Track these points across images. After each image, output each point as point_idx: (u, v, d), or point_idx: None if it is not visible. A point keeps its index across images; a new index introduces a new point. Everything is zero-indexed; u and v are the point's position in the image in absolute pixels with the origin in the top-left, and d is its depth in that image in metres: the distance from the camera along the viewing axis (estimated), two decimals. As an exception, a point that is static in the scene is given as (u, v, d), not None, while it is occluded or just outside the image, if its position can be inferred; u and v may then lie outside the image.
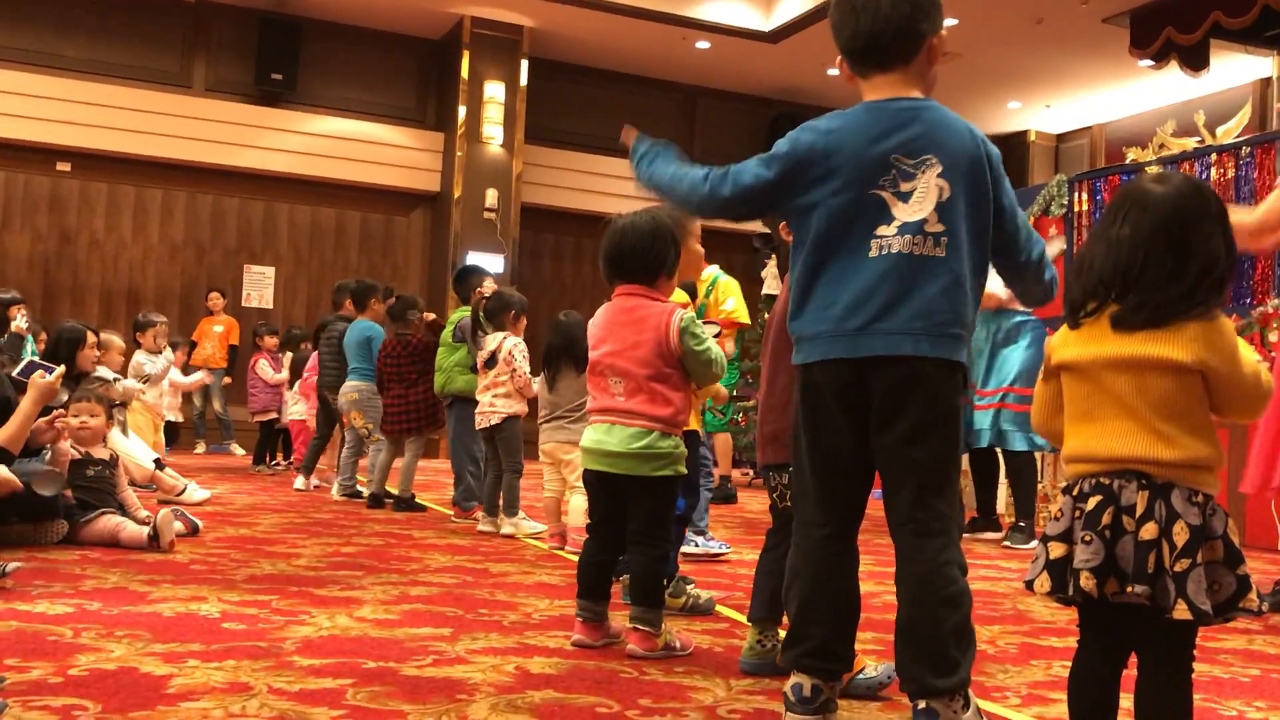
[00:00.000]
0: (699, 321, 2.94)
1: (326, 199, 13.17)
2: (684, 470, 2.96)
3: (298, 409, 9.03)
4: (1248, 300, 6.51)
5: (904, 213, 2.12)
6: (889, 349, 2.10)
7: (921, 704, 2.02)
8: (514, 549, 4.91)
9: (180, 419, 9.46)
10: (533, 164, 13.38)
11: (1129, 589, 1.68)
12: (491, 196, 12.82)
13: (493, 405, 5.50)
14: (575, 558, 4.49)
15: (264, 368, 9.79)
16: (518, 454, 5.54)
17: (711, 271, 6.28)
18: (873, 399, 2.13)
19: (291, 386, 9.17)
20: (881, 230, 2.13)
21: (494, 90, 12.85)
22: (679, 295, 3.56)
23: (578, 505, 4.81)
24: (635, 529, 2.91)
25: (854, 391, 2.14)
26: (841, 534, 2.21)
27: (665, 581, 3.26)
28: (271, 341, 10.03)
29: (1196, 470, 1.72)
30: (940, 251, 2.11)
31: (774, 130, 14.12)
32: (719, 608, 3.53)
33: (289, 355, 9.70)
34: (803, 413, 2.22)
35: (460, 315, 6.25)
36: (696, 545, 4.73)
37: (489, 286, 6.27)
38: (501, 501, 5.52)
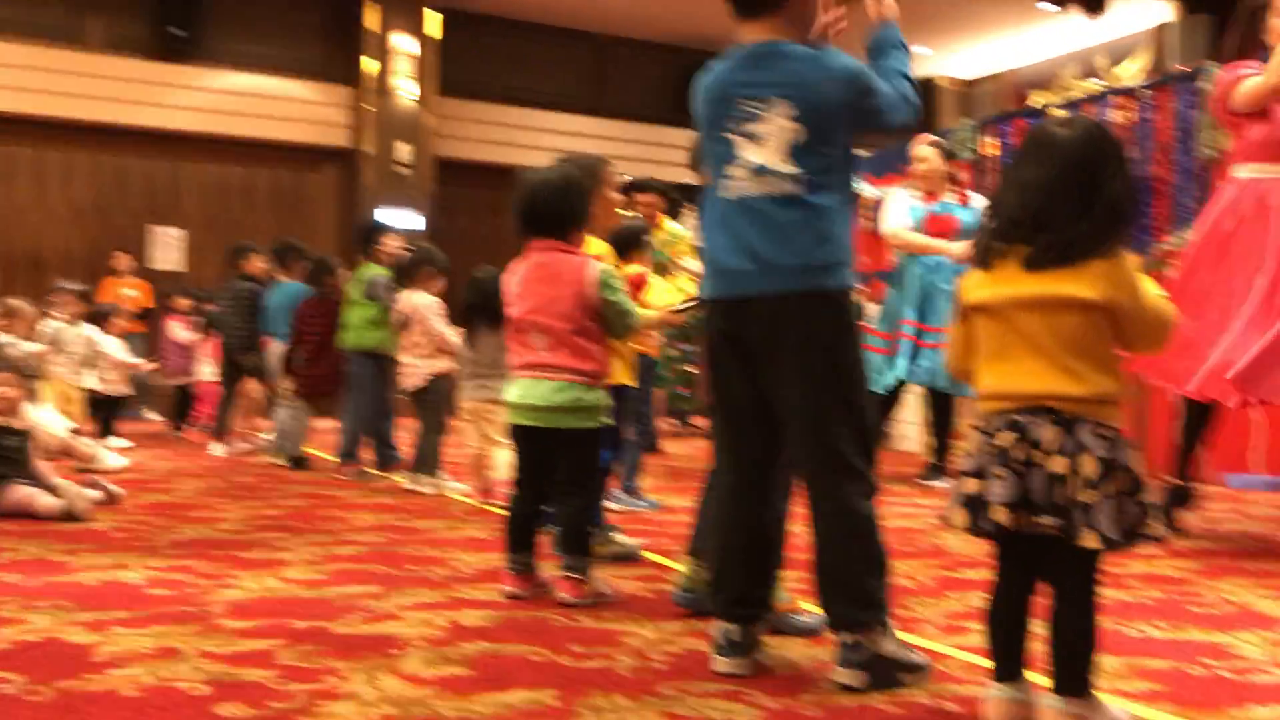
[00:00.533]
0: (616, 274, 2.96)
1: (234, 157, 12.86)
2: (609, 422, 2.99)
3: (209, 369, 8.90)
4: (1148, 238, 6.70)
5: (755, 154, 2.18)
6: (753, 287, 2.17)
7: (847, 638, 2.10)
8: (439, 505, 4.92)
9: (130, 391, 9.17)
10: (447, 117, 13.20)
11: (1040, 520, 1.75)
12: (404, 151, 12.64)
13: (415, 366, 5.47)
14: (502, 511, 4.52)
15: (176, 330, 9.59)
16: (442, 413, 5.51)
17: (672, 226, 6.32)
18: (756, 342, 2.19)
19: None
20: (732, 171, 2.21)
21: (402, 42, 12.62)
22: (598, 247, 3.56)
23: (503, 460, 4.83)
24: (561, 480, 2.94)
25: (740, 334, 2.21)
26: (750, 479, 2.26)
27: (592, 530, 3.30)
28: (184, 303, 9.82)
29: (1103, 405, 1.79)
30: (795, 189, 2.16)
31: (687, 80, 14.08)
32: (645, 554, 3.58)
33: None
34: (711, 364, 2.31)
35: (367, 272, 6.18)
36: (623, 503, 4.74)
37: (391, 244, 6.22)
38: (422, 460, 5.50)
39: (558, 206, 2.93)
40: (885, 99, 2.21)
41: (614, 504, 4.67)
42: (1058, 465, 1.75)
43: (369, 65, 12.57)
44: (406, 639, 2.43)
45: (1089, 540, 1.72)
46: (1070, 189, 1.81)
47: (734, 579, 2.25)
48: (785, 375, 2.16)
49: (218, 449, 7.56)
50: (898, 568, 3.36)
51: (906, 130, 2.27)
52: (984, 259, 1.89)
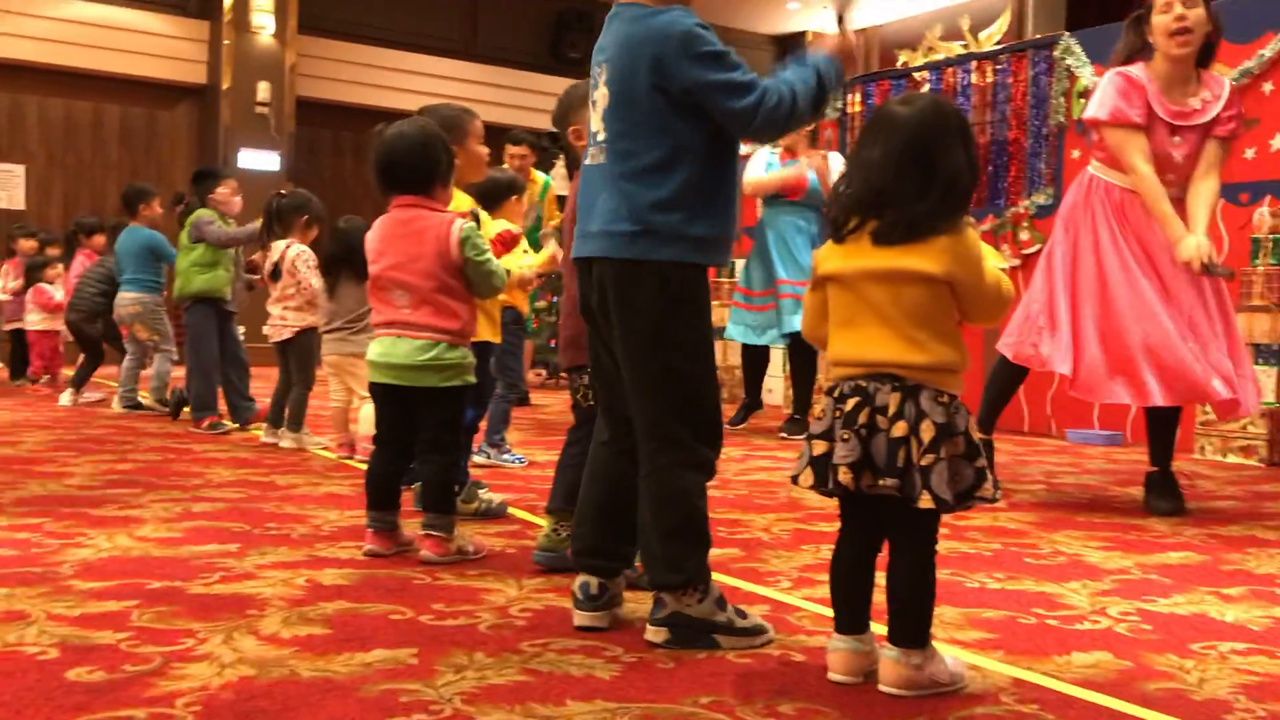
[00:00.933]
0: (479, 231, 2.95)
1: (81, 91, 12.26)
2: (473, 380, 2.99)
3: (34, 318, 8.57)
4: (1001, 201, 6.95)
5: (593, 122, 2.24)
6: (581, 251, 2.24)
7: (658, 598, 2.17)
8: (300, 460, 4.85)
9: None
10: (308, 55, 12.81)
11: (881, 481, 1.84)
12: (264, 89, 12.23)
13: (284, 319, 5.33)
14: (365, 467, 4.48)
15: (9, 274, 9.17)
16: (310, 368, 5.39)
17: (544, 177, 6.28)
18: (598, 308, 2.24)
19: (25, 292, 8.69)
20: (591, 141, 2.27)
21: (261, -25, 12.17)
22: (462, 201, 3.53)
23: (366, 414, 4.77)
24: (425, 438, 2.94)
25: (588, 294, 2.26)
26: (616, 437, 2.30)
27: (456, 488, 3.31)
28: (28, 245, 9.37)
29: (943, 373, 1.88)
30: (602, 158, 2.20)
31: (559, 26, 13.96)
32: (511, 510, 3.61)
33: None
34: (583, 318, 2.35)
35: (197, 215, 6.03)
36: (489, 457, 4.76)
37: (224, 191, 6.07)
38: (287, 414, 5.40)
39: (417, 162, 2.88)
40: (737, 84, 2.09)
41: (481, 459, 4.69)
42: (898, 429, 1.84)
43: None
44: (265, 599, 2.41)
45: (925, 501, 1.81)
46: (909, 167, 1.88)
47: (591, 532, 2.30)
48: (613, 342, 2.22)
49: (66, 399, 7.30)
50: (755, 521, 3.49)
51: (761, 130, 2.13)
52: (837, 233, 1.96)
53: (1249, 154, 5.76)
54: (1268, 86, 5.71)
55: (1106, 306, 3.79)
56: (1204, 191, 3.75)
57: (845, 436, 1.87)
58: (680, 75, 2.10)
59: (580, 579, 2.27)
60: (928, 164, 1.88)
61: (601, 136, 2.20)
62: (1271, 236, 5.44)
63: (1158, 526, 3.57)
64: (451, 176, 3.00)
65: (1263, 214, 5.50)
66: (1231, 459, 5.42)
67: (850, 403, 1.88)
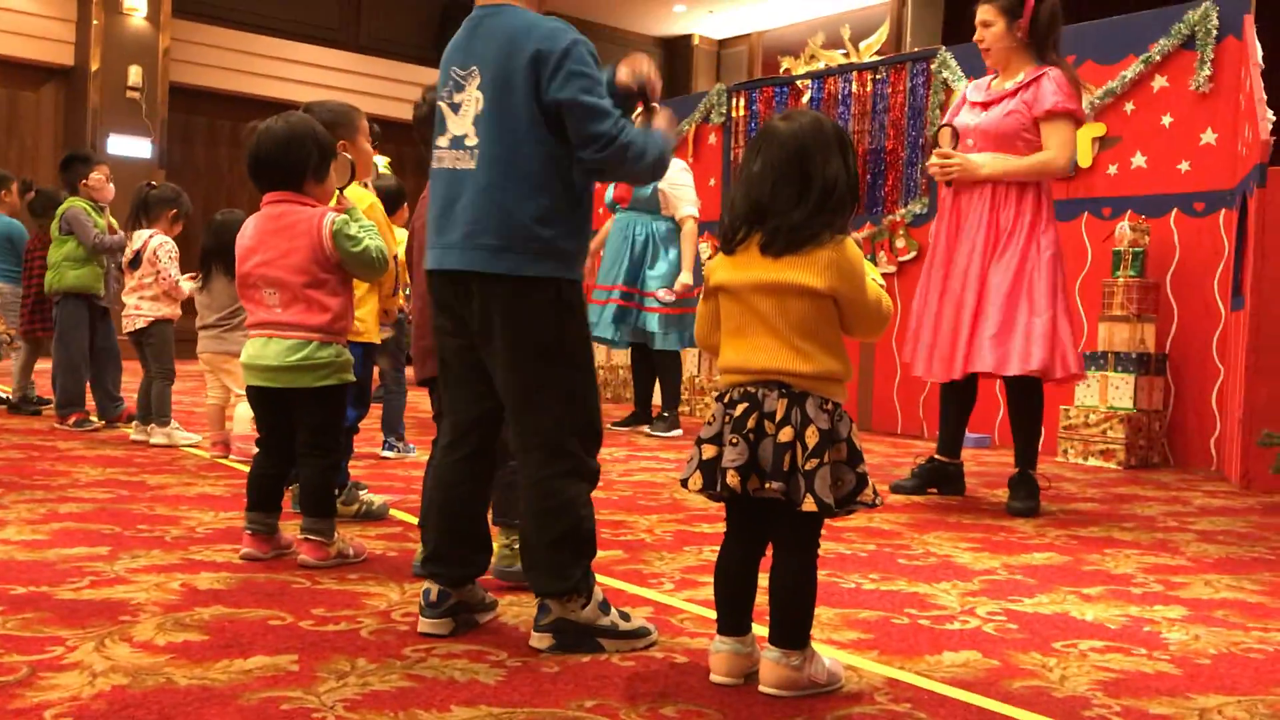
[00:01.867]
0: (352, 221, 2.87)
1: (-63, 69, 11.68)
2: (350, 378, 2.93)
3: None
4: (879, 209, 7.14)
5: (454, 125, 2.20)
6: (437, 264, 2.20)
7: (542, 605, 2.17)
8: (172, 459, 4.71)
9: None
10: (183, 40, 12.41)
11: (768, 485, 1.89)
12: (135, 73, 11.81)
13: (138, 308, 5.19)
14: (242, 467, 4.39)
15: None
16: (168, 359, 5.25)
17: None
18: (469, 318, 2.21)
19: None
20: (439, 141, 2.23)
21: (133, -45, 11.74)
22: (363, 197, 3.47)
23: (242, 414, 4.68)
24: (304, 440, 2.89)
25: (454, 306, 2.22)
26: (460, 442, 2.29)
27: (337, 490, 3.27)
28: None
29: (828, 382, 1.94)
30: (472, 164, 2.16)
31: (445, 18, 13.80)
32: (393, 512, 3.58)
33: None
34: (431, 323, 2.34)
35: (68, 205, 5.82)
36: (396, 450, 4.85)
37: (98, 178, 5.87)
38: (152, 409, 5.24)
39: (281, 158, 2.83)
40: (603, 110, 2.10)
41: (391, 454, 4.77)
42: (785, 434, 1.89)
43: (97, -22, 11.64)
44: (139, 604, 2.35)
45: (808, 504, 1.86)
46: (788, 178, 1.94)
47: (434, 539, 2.28)
48: (492, 354, 2.19)
49: None
50: (639, 523, 3.52)
51: (606, 159, 2.12)
52: (726, 245, 2.00)
53: (1111, 170, 6.04)
54: (1129, 106, 5.98)
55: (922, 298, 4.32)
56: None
57: (734, 441, 1.91)
58: (555, 89, 2.10)
59: (425, 585, 2.26)
60: (805, 174, 1.93)
61: (471, 142, 2.16)
62: (1131, 250, 5.70)
63: (1023, 528, 3.72)
64: (326, 171, 2.92)
65: (1123, 228, 5.76)
66: (1092, 462, 5.66)
67: (739, 408, 1.93)
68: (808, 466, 1.88)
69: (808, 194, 1.92)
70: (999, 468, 5.27)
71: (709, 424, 1.99)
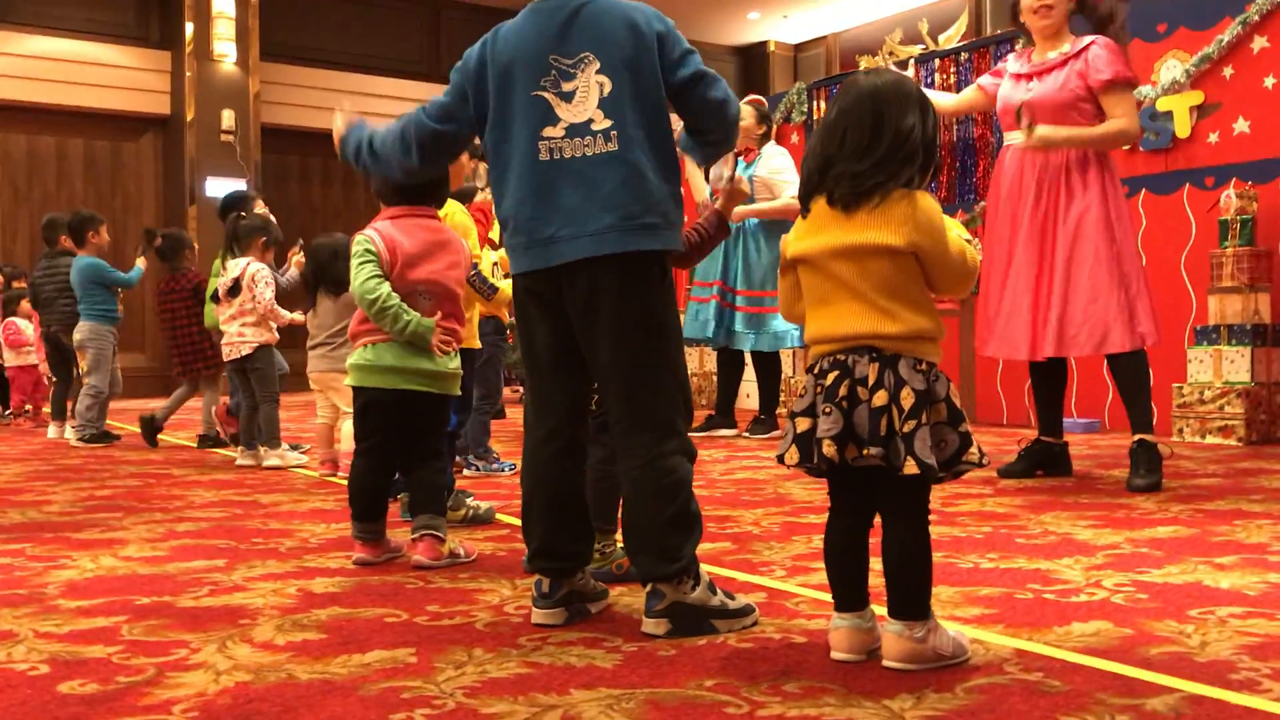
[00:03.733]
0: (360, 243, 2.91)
1: (44, 126, 12.17)
2: (457, 390, 2.96)
3: (10, 355, 8.53)
4: (971, 196, 7.00)
5: (569, 113, 2.18)
6: (574, 254, 2.15)
7: (652, 589, 2.14)
8: (282, 479, 4.80)
9: None
10: (271, 82, 12.77)
11: (866, 451, 1.84)
12: (228, 118, 12.17)
13: (241, 335, 5.31)
14: (345, 482, 4.45)
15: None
16: (273, 383, 5.37)
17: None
18: (570, 304, 2.19)
19: None
20: (548, 132, 2.19)
21: (222, 4, 12.11)
22: (454, 209, 3.53)
23: (348, 431, 4.74)
24: (412, 444, 2.92)
25: (553, 296, 2.21)
26: (556, 434, 2.27)
27: (445, 493, 3.29)
28: (-2, 281, 9.28)
29: (919, 341, 1.88)
30: (612, 146, 2.16)
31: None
32: (500, 516, 3.59)
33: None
34: (517, 320, 2.32)
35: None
36: (479, 470, 4.73)
37: (260, 209, 6.02)
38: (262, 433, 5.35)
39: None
40: (712, 75, 2.21)
41: (470, 472, 4.68)
42: (879, 399, 1.84)
43: (187, 28, 12.02)
44: (257, 609, 2.38)
45: (910, 468, 1.80)
46: (859, 127, 1.88)
47: (538, 531, 2.27)
48: (598, 336, 2.17)
49: (52, 432, 7.22)
50: (744, 516, 3.48)
51: (731, 123, 2.25)
52: (803, 206, 1.97)
53: (1212, 138, 5.83)
54: (1228, 71, 5.77)
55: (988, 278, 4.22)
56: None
57: (827, 410, 1.86)
58: (681, 66, 2.18)
59: (536, 578, 2.25)
60: (876, 124, 1.88)
61: (601, 126, 2.15)
62: (1239, 218, 5.50)
63: (1144, 504, 3.58)
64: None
65: (1229, 197, 5.55)
66: (1211, 439, 5.46)
67: (830, 377, 1.88)
68: (906, 429, 1.82)
69: (877, 143, 1.87)
70: (1112, 449, 5.11)
71: (800, 396, 1.94)
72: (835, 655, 1.93)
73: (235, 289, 5.29)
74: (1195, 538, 3.00)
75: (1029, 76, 4.11)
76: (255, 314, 5.29)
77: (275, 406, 5.37)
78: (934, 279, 1.92)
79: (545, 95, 2.20)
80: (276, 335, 5.41)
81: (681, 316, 6.53)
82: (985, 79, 4.42)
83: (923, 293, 1.92)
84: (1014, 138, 4.11)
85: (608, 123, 2.16)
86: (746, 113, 6.15)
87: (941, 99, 4.61)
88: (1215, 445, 5.34)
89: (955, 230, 1.95)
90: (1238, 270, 5.47)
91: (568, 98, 2.19)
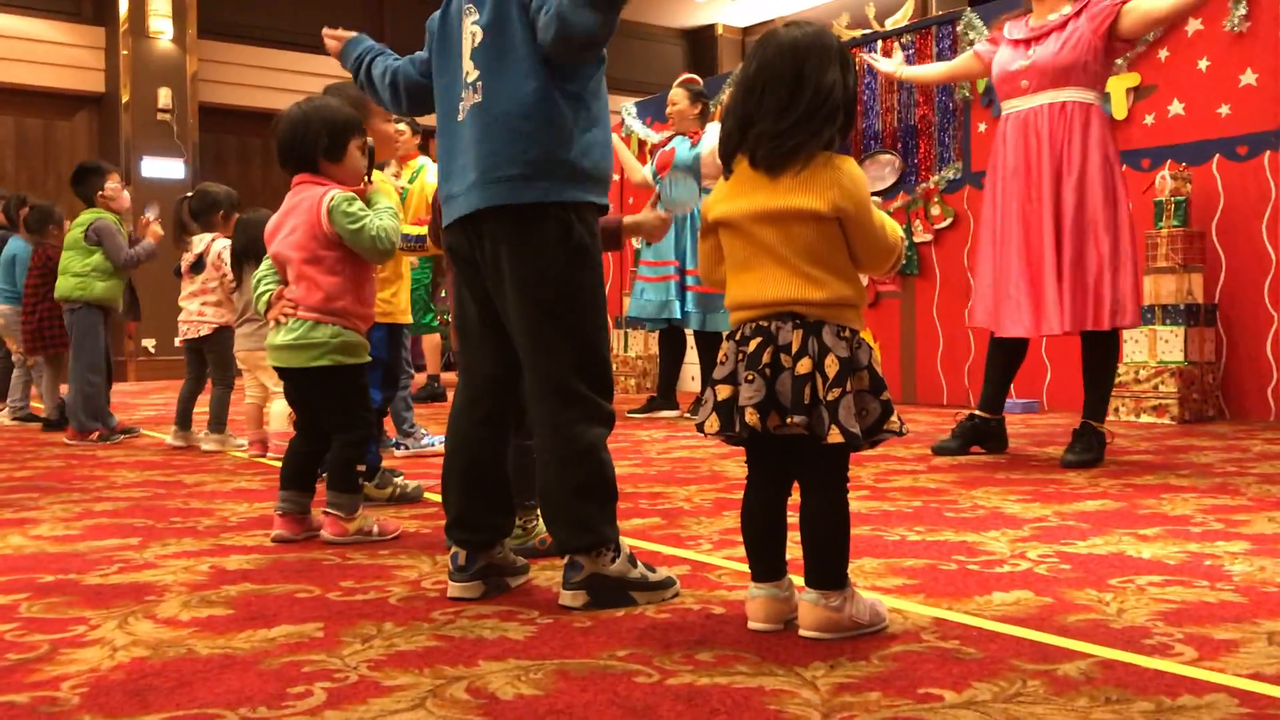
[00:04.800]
0: (356, 200, 2.82)
1: (-28, 103, 11.86)
2: (352, 359, 2.84)
3: None
4: (913, 178, 7.01)
5: (465, 69, 2.16)
6: (464, 209, 2.13)
7: (569, 560, 2.10)
8: (210, 460, 4.70)
9: None
10: (209, 60, 12.53)
11: (789, 420, 1.80)
12: (165, 96, 11.93)
13: (201, 314, 5.16)
14: (278, 464, 4.36)
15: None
16: (229, 367, 5.21)
17: (422, 162, 6.09)
18: (482, 263, 2.15)
19: None
20: (460, 93, 2.17)
21: (157, -21, 11.84)
22: (381, 181, 3.43)
23: (277, 411, 4.66)
24: (325, 419, 2.86)
25: (469, 255, 2.17)
26: (478, 402, 2.22)
27: (370, 473, 3.23)
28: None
29: (843, 308, 1.84)
30: (478, 98, 2.11)
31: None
32: (427, 494, 3.53)
33: None
34: (453, 281, 2.27)
35: (90, 216, 5.72)
36: (407, 448, 4.64)
37: (114, 186, 5.81)
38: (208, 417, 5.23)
39: (295, 140, 2.82)
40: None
41: (401, 452, 4.59)
42: (803, 366, 1.80)
43: (121, 4, 11.75)
44: (165, 585, 2.31)
45: (834, 436, 1.77)
46: (777, 83, 1.83)
47: (455, 500, 2.21)
48: (504, 295, 2.13)
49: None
50: (677, 493, 3.45)
51: (584, 37, 1.99)
52: (725, 166, 1.92)
53: (1148, 120, 5.88)
54: (1163, 53, 5.82)
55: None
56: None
57: (750, 378, 1.82)
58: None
59: (453, 550, 2.20)
60: (796, 79, 1.82)
61: (473, 77, 2.11)
62: (1174, 199, 5.55)
63: (1075, 480, 3.60)
64: (340, 152, 2.87)
65: (1164, 178, 5.60)
66: (1145, 418, 5.51)
67: (753, 344, 1.84)
68: (830, 397, 1.78)
69: (797, 100, 1.81)
70: (1048, 429, 5.14)
71: (721, 364, 1.90)
72: (752, 625, 1.90)
73: (199, 265, 5.14)
74: (1122, 510, 3.01)
75: (1027, 42, 4.02)
76: (219, 292, 5.13)
77: (228, 391, 5.23)
78: (855, 248, 1.86)
79: (462, 54, 2.18)
80: (235, 317, 5.27)
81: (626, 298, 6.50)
82: (981, 45, 4.34)
83: (846, 260, 1.87)
84: (1012, 106, 4.06)
85: (475, 74, 2.11)
86: (679, 95, 6.11)
87: (934, 67, 4.65)
88: (1149, 424, 5.39)
89: (877, 210, 1.92)
90: (1172, 251, 5.52)
91: (460, 53, 2.17)
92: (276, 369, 2.88)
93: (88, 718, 1.51)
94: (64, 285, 5.69)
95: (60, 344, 6.13)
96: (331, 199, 2.77)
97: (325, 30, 2.71)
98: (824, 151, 1.84)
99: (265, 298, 2.89)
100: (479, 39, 2.11)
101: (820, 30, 1.88)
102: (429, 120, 2.69)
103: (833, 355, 1.79)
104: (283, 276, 2.89)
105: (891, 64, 4.62)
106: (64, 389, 6.24)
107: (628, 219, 2.70)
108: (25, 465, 4.56)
